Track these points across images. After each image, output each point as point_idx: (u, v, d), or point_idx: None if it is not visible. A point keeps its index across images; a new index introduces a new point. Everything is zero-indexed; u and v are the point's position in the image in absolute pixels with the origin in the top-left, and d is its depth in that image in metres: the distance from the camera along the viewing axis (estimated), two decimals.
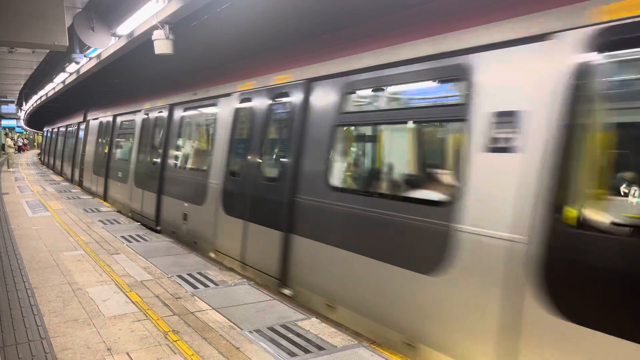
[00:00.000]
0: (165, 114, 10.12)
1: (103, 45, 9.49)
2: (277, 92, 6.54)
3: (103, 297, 5.43)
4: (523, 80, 3.61)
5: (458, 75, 4.11)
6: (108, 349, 4.12)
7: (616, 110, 3.36)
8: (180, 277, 6.30)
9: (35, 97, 23.59)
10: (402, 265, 4.39)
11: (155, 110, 10.79)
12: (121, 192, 12.75)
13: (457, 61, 4.09)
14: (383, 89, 5.14)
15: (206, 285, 5.99)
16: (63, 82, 16.58)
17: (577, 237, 3.16)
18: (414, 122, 5.11)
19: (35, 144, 66.18)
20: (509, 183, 3.57)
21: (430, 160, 5.34)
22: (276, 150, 6.78)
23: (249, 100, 7.19)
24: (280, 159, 6.46)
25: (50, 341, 4.25)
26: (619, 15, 3.10)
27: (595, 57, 3.24)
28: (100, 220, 10.37)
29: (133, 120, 12.37)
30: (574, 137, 3.28)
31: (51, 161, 28.39)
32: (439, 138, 5.34)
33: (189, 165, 9.47)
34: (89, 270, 6.47)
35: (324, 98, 5.69)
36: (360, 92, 5.33)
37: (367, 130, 5.86)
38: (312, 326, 4.74)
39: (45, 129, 35.40)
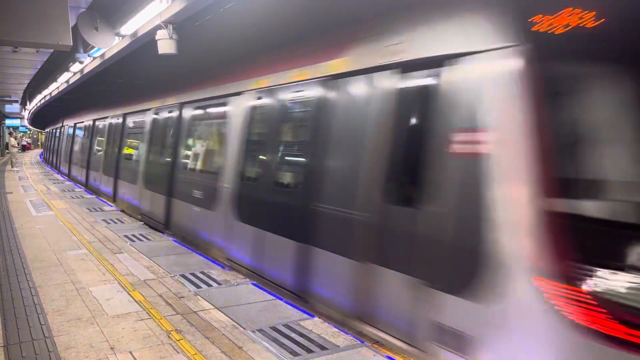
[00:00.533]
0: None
1: (107, 45, 9.49)
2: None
3: (106, 296, 5.45)
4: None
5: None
6: (111, 348, 4.14)
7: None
8: (183, 276, 6.32)
9: (39, 97, 23.62)
10: (202, 206, 8.16)
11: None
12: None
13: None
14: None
15: (209, 285, 6.00)
16: (67, 81, 16.62)
17: (242, 184, 6.95)
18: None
19: (39, 143, 66.41)
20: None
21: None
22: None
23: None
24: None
25: (54, 340, 4.27)
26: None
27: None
28: (103, 220, 10.41)
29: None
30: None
31: (52, 159, 28.44)
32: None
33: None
34: (93, 269, 6.49)
35: None
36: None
37: None
38: (315, 326, 4.74)
39: (47, 129, 35.42)
